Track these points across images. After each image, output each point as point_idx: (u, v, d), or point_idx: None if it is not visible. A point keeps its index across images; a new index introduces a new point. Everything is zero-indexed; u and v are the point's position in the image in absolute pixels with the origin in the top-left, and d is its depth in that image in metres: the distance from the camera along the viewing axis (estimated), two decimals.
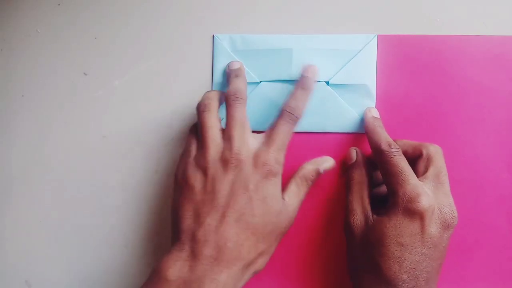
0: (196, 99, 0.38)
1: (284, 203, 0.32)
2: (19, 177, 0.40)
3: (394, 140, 0.33)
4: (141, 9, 0.39)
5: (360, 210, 0.33)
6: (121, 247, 0.39)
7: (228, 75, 0.36)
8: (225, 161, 0.31)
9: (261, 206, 0.30)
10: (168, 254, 0.30)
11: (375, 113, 0.35)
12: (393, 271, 0.30)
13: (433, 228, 0.30)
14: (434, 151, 0.33)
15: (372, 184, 0.35)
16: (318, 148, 0.36)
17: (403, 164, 0.31)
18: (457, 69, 0.36)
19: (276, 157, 0.31)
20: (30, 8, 0.39)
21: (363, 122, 0.36)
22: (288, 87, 0.37)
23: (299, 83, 0.34)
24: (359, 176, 0.34)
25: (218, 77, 0.38)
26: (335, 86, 0.36)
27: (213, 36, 0.38)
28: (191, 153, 0.33)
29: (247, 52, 0.37)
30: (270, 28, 0.38)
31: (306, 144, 0.37)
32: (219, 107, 0.34)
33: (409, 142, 0.34)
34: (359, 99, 0.36)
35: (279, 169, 0.32)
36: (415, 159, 0.33)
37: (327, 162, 0.35)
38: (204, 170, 0.31)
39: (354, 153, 0.35)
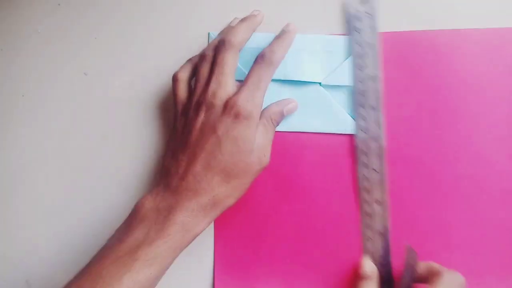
0: None
1: (256, 143, 0.33)
2: (19, 177, 0.40)
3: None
4: (141, 9, 0.39)
5: None
6: None
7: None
8: (199, 104, 0.33)
9: (231, 146, 0.32)
10: (147, 191, 0.33)
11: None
12: None
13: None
14: (447, 274, 0.31)
15: None
16: (311, 148, 0.36)
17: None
18: (457, 63, 0.35)
19: (246, 98, 0.32)
20: (30, 8, 0.40)
21: (355, 123, 0.35)
22: (283, 86, 0.36)
23: (278, 35, 0.36)
24: None
25: None
26: (328, 87, 0.36)
27: (208, 34, 0.38)
28: (181, 101, 0.35)
29: (242, 50, 0.37)
30: (265, 26, 0.37)
31: (298, 143, 0.36)
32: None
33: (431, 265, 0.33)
34: (352, 101, 0.36)
35: (251, 111, 0.32)
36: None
37: (290, 105, 0.36)
38: (186, 115, 0.34)
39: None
